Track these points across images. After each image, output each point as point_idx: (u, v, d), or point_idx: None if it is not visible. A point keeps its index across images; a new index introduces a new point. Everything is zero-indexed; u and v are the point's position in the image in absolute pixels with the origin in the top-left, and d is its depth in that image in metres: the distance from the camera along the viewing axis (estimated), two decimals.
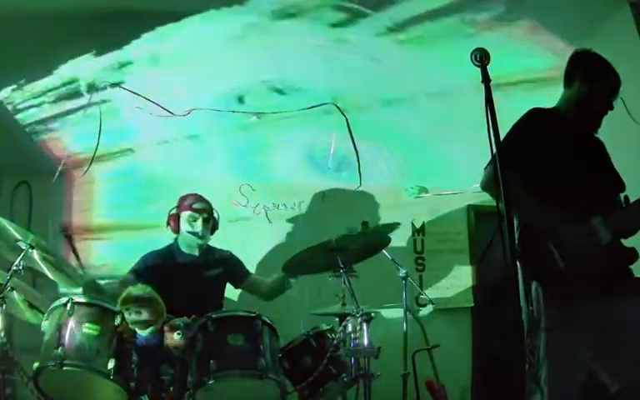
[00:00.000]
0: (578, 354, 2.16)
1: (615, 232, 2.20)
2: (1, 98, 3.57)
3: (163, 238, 3.44)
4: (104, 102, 3.68)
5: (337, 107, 3.96)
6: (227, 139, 4.23)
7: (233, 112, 3.92)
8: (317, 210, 4.48)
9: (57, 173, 3.97)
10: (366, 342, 2.69)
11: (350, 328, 2.75)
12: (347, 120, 4.05)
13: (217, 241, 3.48)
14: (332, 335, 2.90)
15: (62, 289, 2.89)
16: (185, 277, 3.23)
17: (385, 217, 4.46)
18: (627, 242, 2.30)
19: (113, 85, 3.60)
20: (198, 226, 3.29)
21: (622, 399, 2.13)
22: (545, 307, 2.23)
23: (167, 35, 3.28)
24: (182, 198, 3.38)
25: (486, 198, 2.37)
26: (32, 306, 2.85)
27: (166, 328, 2.48)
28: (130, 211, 4.27)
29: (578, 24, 3.36)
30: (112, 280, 3.29)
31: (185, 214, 3.31)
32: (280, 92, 3.85)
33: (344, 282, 3.01)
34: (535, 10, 3.30)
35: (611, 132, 2.50)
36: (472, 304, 4.56)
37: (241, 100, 3.89)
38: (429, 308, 4.42)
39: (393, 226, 3.25)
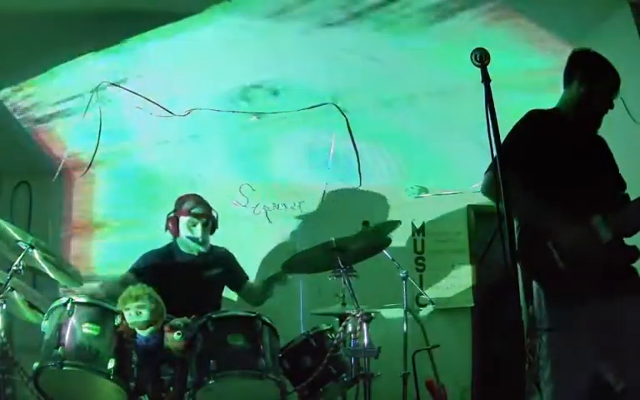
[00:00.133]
0: (581, 354, 2.15)
1: (615, 231, 2.19)
2: (1, 98, 3.57)
3: (163, 238, 3.44)
4: (104, 101, 3.67)
5: (337, 107, 3.96)
6: (227, 139, 4.23)
7: (233, 112, 3.91)
8: (317, 210, 4.48)
9: (57, 173, 3.97)
10: (366, 342, 2.69)
11: (350, 328, 2.76)
12: (347, 120, 4.05)
13: (217, 241, 3.48)
14: (332, 335, 2.90)
15: (61, 288, 2.89)
16: (185, 277, 3.22)
17: (385, 217, 4.46)
18: (629, 241, 2.31)
19: (113, 85, 3.59)
20: (198, 231, 3.26)
21: (627, 398, 2.13)
22: (547, 307, 2.23)
23: (167, 35, 3.28)
24: (180, 200, 3.35)
25: (486, 198, 2.36)
26: (32, 306, 2.85)
27: (166, 328, 2.49)
28: (130, 211, 4.27)
29: (578, 24, 3.35)
30: (111, 280, 3.28)
31: (184, 219, 3.28)
32: (280, 92, 3.85)
33: (344, 282, 3.01)
34: (535, 10, 3.29)
35: (611, 132, 2.50)
36: (472, 304, 4.57)
37: (241, 100, 3.89)
38: (429, 308, 4.42)
39: (395, 224, 3.24)
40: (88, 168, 4.06)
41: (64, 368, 2.33)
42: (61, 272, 2.84)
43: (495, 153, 1.74)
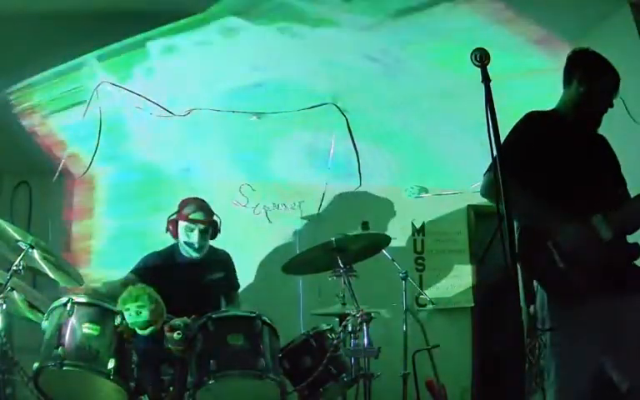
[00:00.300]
0: (585, 354, 2.15)
1: (616, 230, 2.19)
2: (1, 98, 3.57)
3: (163, 239, 3.44)
4: (104, 102, 3.67)
5: (337, 107, 3.96)
6: (227, 139, 4.23)
7: (233, 112, 3.91)
8: (317, 210, 4.48)
9: (57, 173, 3.97)
10: (366, 342, 2.69)
11: (350, 328, 2.76)
12: (347, 120, 4.05)
13: (216, 240, 3.48)
14: (332, 335, 2.90)
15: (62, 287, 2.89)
16: (185, 278, 3.22)
17: (385, 217, 4.47)
18: (631, 238, 2.30)
19: (113, 85, 3.59)
20: (194, 236, 3.24)
21: (632, 398, 2.12)
22: (549, 307, 2.23)
23: (167, 35, 3.28)
24: (183, 203, 3.33)
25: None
26: (32, 306, 2.84)
27: (166, 328, 2.48)
28: (130, 211, 4.28)
29: (578, 24, 3.35)
30: (112, 280, 3.28)
31: (182, 223, 3.26)
32: (280, 91, 3.84)
33: (344, 282, 3.01)
34: (535, 9, 3.29)
35: (611, 132, 2.50)
36: (472, 304, 4.57)
37: (241, 100, 3.89)
38: (429, 308, 4.42)
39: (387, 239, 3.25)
40: (88, 168, 4.06)
41: (64, 368, 2.33)
42: (61, 272, 2.84)
43: (495, 153, 1.74)
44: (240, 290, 3.56)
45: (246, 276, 4.02)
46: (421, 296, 4.33)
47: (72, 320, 2.43)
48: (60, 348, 2.35)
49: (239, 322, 2.66)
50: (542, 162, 2.28)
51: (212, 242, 3.42)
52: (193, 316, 2.58)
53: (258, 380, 2.48)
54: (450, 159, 4.42)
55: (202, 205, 3.32)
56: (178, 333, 2.46)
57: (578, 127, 2.41)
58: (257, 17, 3.25)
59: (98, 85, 3.57)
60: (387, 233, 3.42)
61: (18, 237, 2.66)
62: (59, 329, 2.41)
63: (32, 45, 3.20)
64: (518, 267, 1.83)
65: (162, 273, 3.18)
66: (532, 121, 2.39)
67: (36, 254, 2.70)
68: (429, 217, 4.69)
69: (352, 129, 4.11)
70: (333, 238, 2.96)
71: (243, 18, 3.26)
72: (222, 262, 3.45)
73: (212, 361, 2.45)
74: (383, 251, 3.50)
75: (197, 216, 3.26)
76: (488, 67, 1.77)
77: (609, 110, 2.46)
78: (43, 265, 2.78)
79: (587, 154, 2.38)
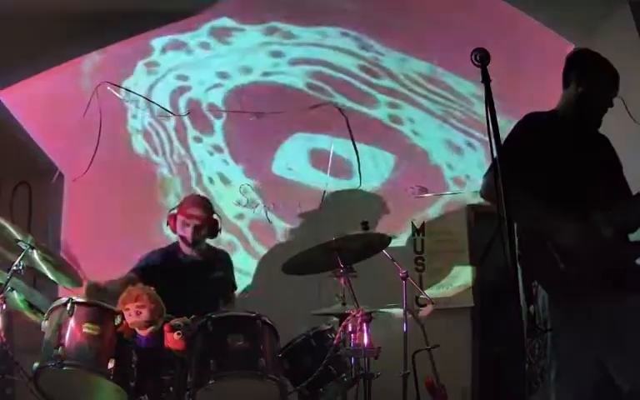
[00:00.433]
0: (586, 354, 2.15)
1: (617, 228, 2.19)
2: (1, 98, 3.57)
3: (164, 239, 3.44)
4: (104, 102, 3.67)
5: (337, 107, 3.96)
6: (228, 139, 4.23)
7: (233, 111, 3.91)
8: (317, 210, 4.48)
9: (57, 173, 3.97)
10: (366, 342, 2.69)
11: (350, 328, 2.75)
12: (347, 120, 4.05)
13: (216, 240, 3.48)
14: (332, 335, 2.89)
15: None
16: (185, 277, 3.22)
17: (385, 217, 4.46)
18: (632, 237, 2.30)
19: (113, 85, 3.59)
20: (188, 232, 3.25)
21: (633, 398, 2.11)
22: (549, 307, 2.23)
23: (167, 35, 3.28)
24: (185, 199, 3.37)
25: None
26: (32, 306, 2.84)
27: (166, 328, 2.48)
28: (130, 211, 4.27)
29: (578, 24, 3.35)
30: (112, 280, 3.28)
31: (180, 218, 3.28)
32: (280, 91, 3.85)
33: (344, 282, 3.01)
34: (535, 9, 3.29)
35: (611, 132, 2.49)
36: (472, 304, 4.56)
37: (241, 99, 3.89)
38: (429, 308, 4.42)
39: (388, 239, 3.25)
40: (88, 168, 4.06)
41: (64, 368, 2.33)
42: (60, 272, 2.84)
43: (495, 154, 1.74)
44: (240, 290, 3.56)
45: (246, 276, 4.02)
46: (421, 296, 4.32)
47: (72, 320, 2.43)
48: (60, 348, 2.35)
49: (239, 322, 2.66)
50: (542, 162, 2.27)
51: (212, 242, 3.43)
52: (193, 316, 2.59)
53: (258, 380, 2.48)
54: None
55: (200, 201, 3.34)
56: (178, 333, 2.46)
57: (578, 127, 2.41)
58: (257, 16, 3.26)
59: (98, 85, 3.57)
60: (387, 233, 3.42)
61: (19, 236, 2.65)
62: (59, 329, 2.41)
63: (32, 45, 3.20)
64: (518, 267, 1.83)
65: (162, 272, 3.18)
66: (532, 122, 2.39)
67: (35, 254, 2.69)
68: (429, 217, 4.68)
69: (352, 129, 4.11)
70: (333, 238, 2.95)
71: (244, 18, 3.26)
72: (222, 261, 3.45)
73: (212, 361, 2.45)
74: (383, 251, 3.50)
75: (193, 211, 3.27)
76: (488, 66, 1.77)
77: (609, 110, 2.45)
78: (43, 266, 2.77)
79: (587, 154, 2.38)
